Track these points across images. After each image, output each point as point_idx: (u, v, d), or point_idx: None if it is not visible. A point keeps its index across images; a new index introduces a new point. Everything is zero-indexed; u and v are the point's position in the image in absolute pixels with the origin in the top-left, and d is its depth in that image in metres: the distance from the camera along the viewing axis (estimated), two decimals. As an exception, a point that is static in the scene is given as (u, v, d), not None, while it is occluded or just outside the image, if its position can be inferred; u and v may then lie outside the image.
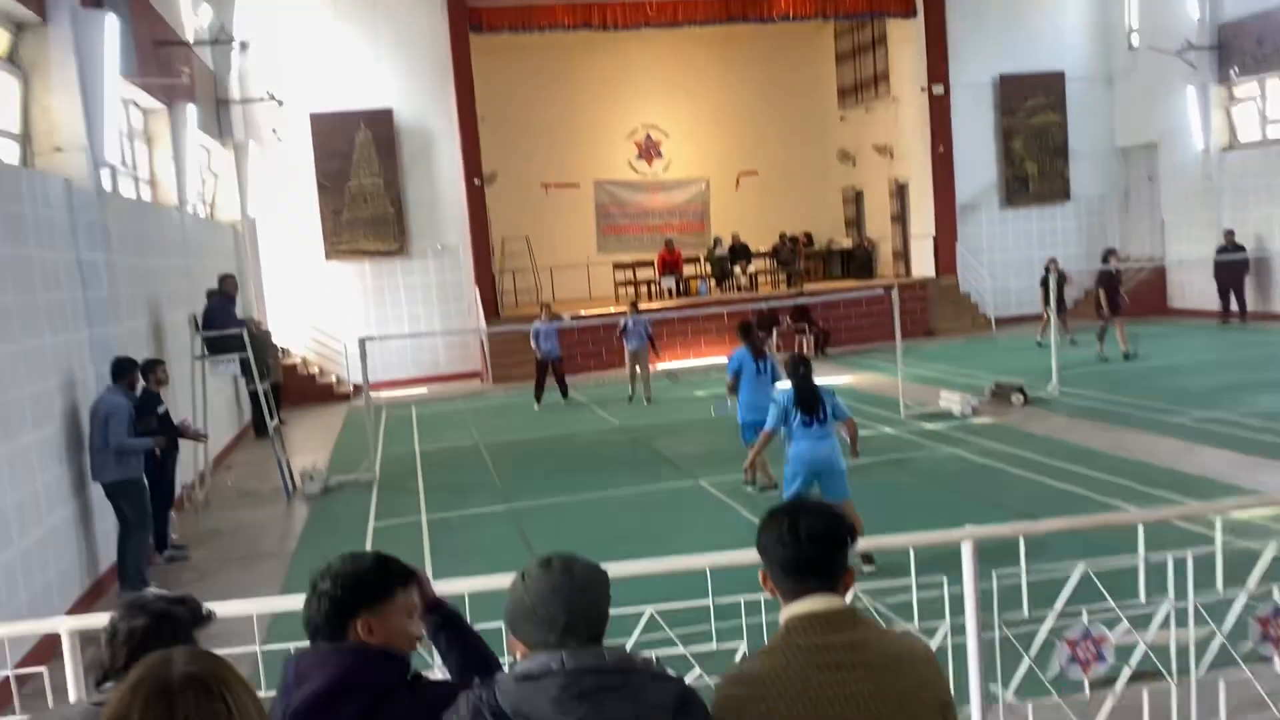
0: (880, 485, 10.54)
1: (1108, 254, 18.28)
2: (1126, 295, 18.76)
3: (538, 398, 17.44)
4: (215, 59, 18.44)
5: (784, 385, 8.80)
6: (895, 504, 9.82)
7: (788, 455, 8.15)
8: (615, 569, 4.09)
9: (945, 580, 3.96)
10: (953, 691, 2.46)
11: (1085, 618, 4.03)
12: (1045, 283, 17.70)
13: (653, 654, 2.88)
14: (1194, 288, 22.49)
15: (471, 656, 2.68)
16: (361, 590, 2.37)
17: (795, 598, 2.39)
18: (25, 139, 9.25)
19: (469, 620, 2.79)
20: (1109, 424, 12.61)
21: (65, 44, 9.29)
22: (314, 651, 2.37)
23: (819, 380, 8.32)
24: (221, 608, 4.63)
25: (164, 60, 13.97)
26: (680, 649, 3.94)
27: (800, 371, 8.24)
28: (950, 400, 14.24)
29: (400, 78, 21.79)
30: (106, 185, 11.19)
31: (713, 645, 3.97)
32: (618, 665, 2.21)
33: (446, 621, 2.72)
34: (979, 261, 24.25)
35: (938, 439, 12.58)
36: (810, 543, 2.38)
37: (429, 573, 8.82)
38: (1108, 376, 15.87)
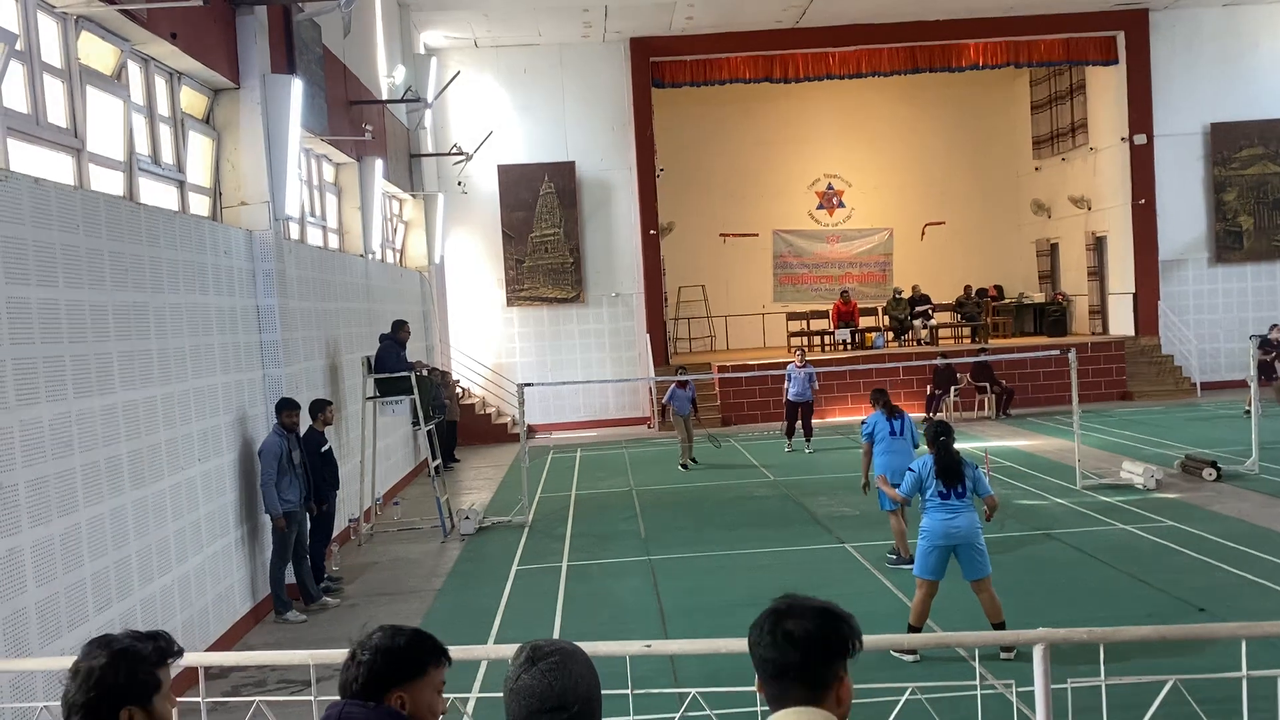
0: (1036, 562, 9.90)
1: None
2: None
3: (788, 436, 17.79)
4: (408, 116, 19.60)
5: (923, 451, 8.42)
6: (1046, 584, 9.18)
7: (921, 528, 7.76)
8: (661, 646, 4.02)
9: (1014, 684, 3.66)
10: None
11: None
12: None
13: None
14: None
15: None
16: (398, 666, 2.52)
17: (777, 706, 2.24)
18: (215, 194, 10.09)
19: None
20: (1311, 507, 11.43)
21: (254, 106, 10.12)
22: (358, 705, 2.51)
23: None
24: (283, 656, 4.83)
25: (355, 119, 14.97)
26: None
27: (941, 439, 7.86)
28: (1133, 472, 13.26)
29: (583, 131, 22.52)
30: (294, 234, 12.05)
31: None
32: None
33: None
34: (1184, 321, 22.61)
35: (1112, 514, 11.71)
36: (789, 645, 2.23)
37: (558, 619, 8.91)
38: (1321, 453, 14.39)
